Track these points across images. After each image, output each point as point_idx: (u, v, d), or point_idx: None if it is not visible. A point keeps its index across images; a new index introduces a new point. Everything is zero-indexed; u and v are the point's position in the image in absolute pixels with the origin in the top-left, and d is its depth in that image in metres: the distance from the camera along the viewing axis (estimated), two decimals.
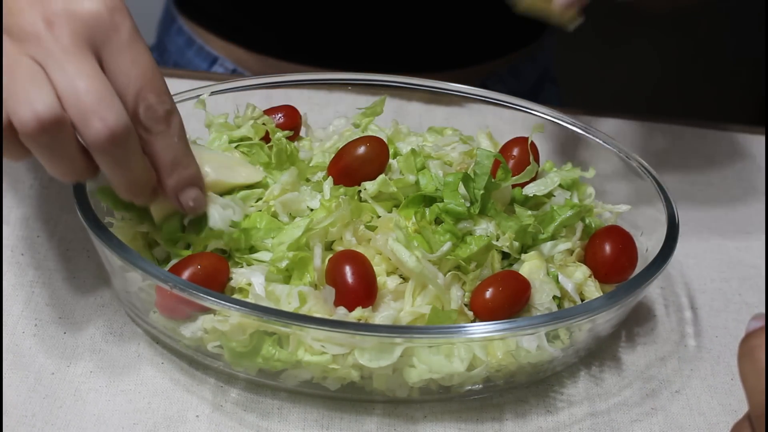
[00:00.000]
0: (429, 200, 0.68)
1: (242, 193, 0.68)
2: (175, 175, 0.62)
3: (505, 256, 0.68)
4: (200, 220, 0.66)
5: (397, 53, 1.01)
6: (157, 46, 1.13)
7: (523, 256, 0.68)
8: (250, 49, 1.02)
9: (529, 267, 0.67)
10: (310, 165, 0.73)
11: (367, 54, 1.01)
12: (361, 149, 0.70)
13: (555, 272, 0.67)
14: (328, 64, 0.98)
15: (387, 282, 0.64)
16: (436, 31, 1.01)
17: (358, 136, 0.74)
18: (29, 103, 0.53)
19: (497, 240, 0.67)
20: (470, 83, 0.83)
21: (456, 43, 1.02)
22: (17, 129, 0.54)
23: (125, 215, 0.67)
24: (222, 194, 0.68)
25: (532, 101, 0.81)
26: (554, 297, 0.65)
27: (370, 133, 0.76)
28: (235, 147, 0.73)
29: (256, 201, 0.69)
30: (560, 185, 0.73)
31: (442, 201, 0.67)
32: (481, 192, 0.67)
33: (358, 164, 0.70)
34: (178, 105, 0.75)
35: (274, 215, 0.67)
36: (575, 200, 0.73)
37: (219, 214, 0.65)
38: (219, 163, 0.68)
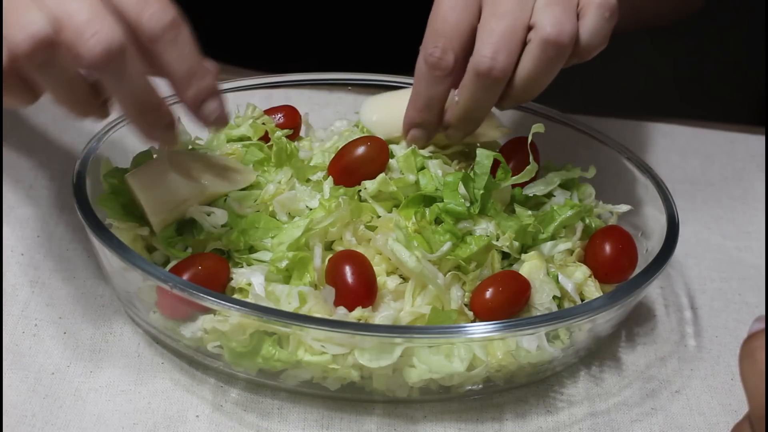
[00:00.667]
0: (429, 200, 0.68)
1: (239, 193, 0.68)
2: (193, 86, 0.60)
3: (505, 256, 0.68)
4: (194, 224, 0.66)
5: (392, 54, 1.01)
6: None
7: (523, 256, 0.68)
8: (229, 62, 1.03)
9: (529, 267, 0.66)
10: (310, 165, 0.73)
11: (358, 55, 1.00)
12: (361, 149, 0.70)
13: (555, 272, 0.67)
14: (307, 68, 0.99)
15: (387, 282, 0.64)
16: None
17: (358, 137, 0.74)
18: (23, 27, 0.53)
19: (497, 240, 0.67)
20: None
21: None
22: (14, 55, 0.54)
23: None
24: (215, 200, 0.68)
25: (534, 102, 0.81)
26: (554, 297, 0.65)
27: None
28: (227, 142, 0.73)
29: (254, 201, 0.69)
30: (560, 185, 0.73)
31: (442, 201, 0.67)
32: (481, 192, 0.67)
33: (358, 164, 0.70)
34: (178, 105, 0.75)
35: (272, 215, 0.68)
36: (575, 200, 0.73)
37: (207, 221, 0.66)
38: (213, 170, 0.68)
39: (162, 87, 0.60)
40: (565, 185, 0.74)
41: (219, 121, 0.62)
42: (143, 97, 0.59)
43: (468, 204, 0.67)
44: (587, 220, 0.72)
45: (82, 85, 0.58)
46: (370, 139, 0.71)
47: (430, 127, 0.71)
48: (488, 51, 0.65)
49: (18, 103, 0.59)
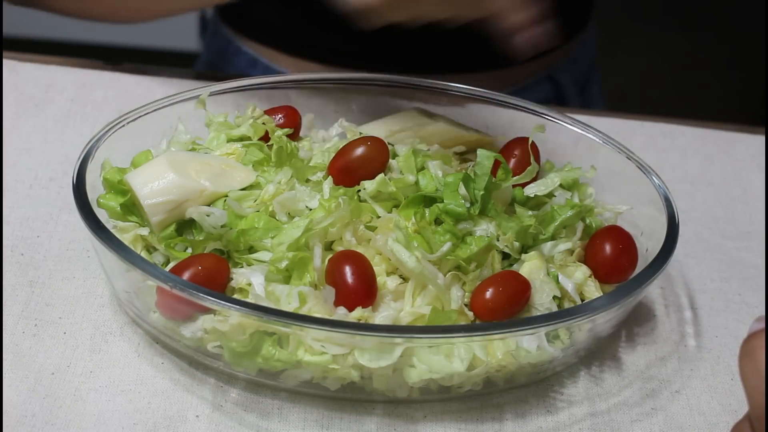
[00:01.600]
0: (429, 200, 0.68)
1: (238, 194, 0.68)
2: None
3: (505, 256, 0.68)
4: (193, 224, 0.66)
5: (430, 54, 1.01)
6: (204, 50, 1.14)
7: (523, 256, 0.68)
8: (287, 53, 1.03)
9: (530, 267, 0.67)
10: (310, 165, 0.73)
11: (400, 55, 1.00)
12: (361, 149, 0.70)
13: (555, 272, 0.67)
14: (378, 69, 0.99)
15: (387, 282, 0.64)
16: (470, 33, 1.01)
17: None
18: None
19: (497, 240, 0.67)
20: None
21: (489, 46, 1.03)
22: None
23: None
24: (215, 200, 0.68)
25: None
26: (554, 297, 0.65)
27: None
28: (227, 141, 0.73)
29: (254, 201, 0.69)
30: (561, 185, 0.73)
31: (442, 201, 0.67)
32: (482, 193, 0.67)
33: (358, 163, 0.70)
34: (177, 105, 0.76)
35: (272, 215, 0.68)
36: (576, 200, 0.73)
37: (207, 221, 0.66)
38: (213, 171, 0.68)
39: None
40: (566, 185, 0.74)
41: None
42: None
43: (468, 205, 0.67)
44: (587, 220, 0.72)
45: None
46: (370, 139, 0.71)
47: None
48: None
49: None
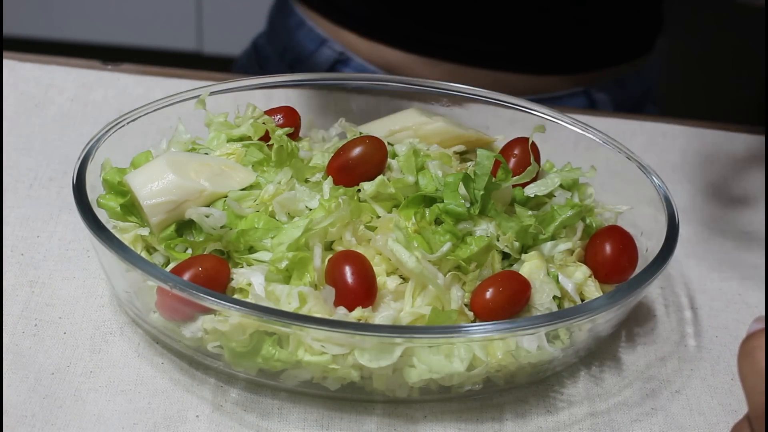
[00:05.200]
0: (429, 200, 0.68)
1: (238, 194, 0.68)
2: None
3: (505, 256, 0.68)
4: (193, 225, 0.66)
5: (505, 49, 1.01)
6: (267, 30, 1.14)
7: (523, 256, 0.68)
8: (357, 32, 1.03)
9: (530, 267, 0.67)
10: (309, 165, 0.73)
11: (473, 46, 1.01)
12: (360, 148, 0.70)
13: (555, 272, 0.67)
14: (435, 54, 0.98)
15: (387, 282, 0.64)
16: (548, 32, 1.01)
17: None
18: None
19: (497, 240, 0.67)
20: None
21: (565, 46, 1.03)
22: None
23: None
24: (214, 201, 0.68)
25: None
26: (554, 297, 0.65)
27: None
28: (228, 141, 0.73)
29: (254, 201, 0.69)
30: (561, 185, 0.73)
31: (442, 201, 0.67)
32: (482, 193, 0.67)
33: (356, 162, 0.70)
34: (178, 105, 0.76)
35: (272, 215, 0.68)
36: (576, 200, 0.73)
37: (206, 222, 0.66)
38: (212, 171, 0.68)
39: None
40: (566, 185, 0.74)
41: None
42: None
43: (468, 205, 0.67)
44: (587, 220, 0.72)
45: None
46: (368, 138, 0.72)
47: None
48: None
49: None
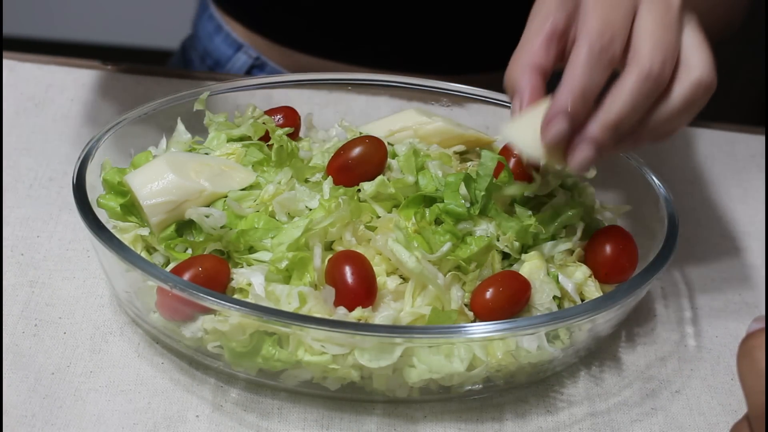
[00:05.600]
0: (429, 200, 0.68)
1: (238, 194, 0.68)
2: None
3: (505, 256, 0.68)
4: (193, 225, 0.66)
5: (413, 52, 1.01)
6: (191, 33, 1.14)
7: (523, 256, 0.68)
8: (271, 39, 1.03)
9: (530, 267, 0.67)
10: (309, 165, 0.73)
11: (383, 52, 1.01)
12: (359, 148, 0.70)
13: (555, 272, 0.67)
14: (347, 60, 0.98)
15: (387, 282, 0.64)
16: (453, 33, 1.01)
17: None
18: None
19: (497, 240, 0.67)
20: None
21: (471, 46, 1.02)
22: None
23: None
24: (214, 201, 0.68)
25: None
26: (554, 297, 0.65)
27: None
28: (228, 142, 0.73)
29: (254, 201, 0.69)
30: (561, 185, 0.73)
31: (443, 201, 0.67)
32: (483, 193, 0.67)
33: (356, 162, 0.70)
34: (178, 105, 0.76)
35: (272, 215, 0.68)
36: (576, 200, 0.73)
37: (206, 222, 0.66)
38: (212, 171, 0.69)
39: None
40: (566, 186, 0.74)
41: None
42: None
43: (468, 205, 0.67)
44: (587, 220, 0.72)
45: None
46: (368, 138, 0.72)
47: (576, 120, 0.61)
48: (649, 52, 0.62)
49: None
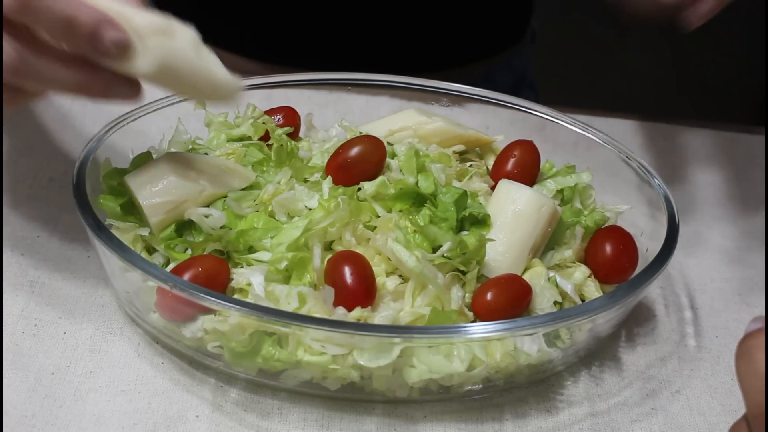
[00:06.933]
0: (421, 198, 0.68)
1: (238, 194, 0.68)
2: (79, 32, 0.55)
3: None
4: (192, 225, 0.66)
5: (373, 53, 1.01)
6: None
7: None
8: (210, 43, 1.03)
9: (531, 274, 0.67)
10: (309, 165, 0.73)
11: (340, 54, 1.00)
12: (358, 147, 0.70)
13: (553, 276, 0.67)
14: (290, 62, 0.98)
15: (387, 282, 0.64)
16: (413, 32, 1.01)
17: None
18: None
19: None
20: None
21: (433, 45, 1.02)
22: None
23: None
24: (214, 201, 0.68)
25: None
26: (555, 302, 0.65)
27: None
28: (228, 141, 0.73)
29: (253, 201, 0.69)
30: (560, 191, 0.74)
31: (435, 204, 0.67)
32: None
33: (355, 161, 0.70)
34: (177, 105, 0.76)
35: (271, 215, 0.68)
36: (577, 204, 0.74)
37: (206, 222, 0.66)
38: (212, 171, 0.69)
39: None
40: (567, 192, 0.74)
41: (119, 52, 0.56)
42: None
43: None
44: (587, 220, 0.72)
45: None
46: (367, 137, 0.72)
47: None
48: None
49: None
